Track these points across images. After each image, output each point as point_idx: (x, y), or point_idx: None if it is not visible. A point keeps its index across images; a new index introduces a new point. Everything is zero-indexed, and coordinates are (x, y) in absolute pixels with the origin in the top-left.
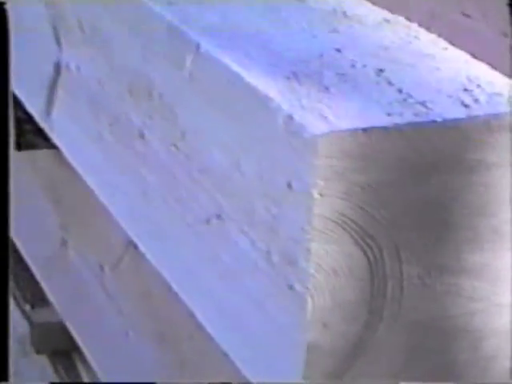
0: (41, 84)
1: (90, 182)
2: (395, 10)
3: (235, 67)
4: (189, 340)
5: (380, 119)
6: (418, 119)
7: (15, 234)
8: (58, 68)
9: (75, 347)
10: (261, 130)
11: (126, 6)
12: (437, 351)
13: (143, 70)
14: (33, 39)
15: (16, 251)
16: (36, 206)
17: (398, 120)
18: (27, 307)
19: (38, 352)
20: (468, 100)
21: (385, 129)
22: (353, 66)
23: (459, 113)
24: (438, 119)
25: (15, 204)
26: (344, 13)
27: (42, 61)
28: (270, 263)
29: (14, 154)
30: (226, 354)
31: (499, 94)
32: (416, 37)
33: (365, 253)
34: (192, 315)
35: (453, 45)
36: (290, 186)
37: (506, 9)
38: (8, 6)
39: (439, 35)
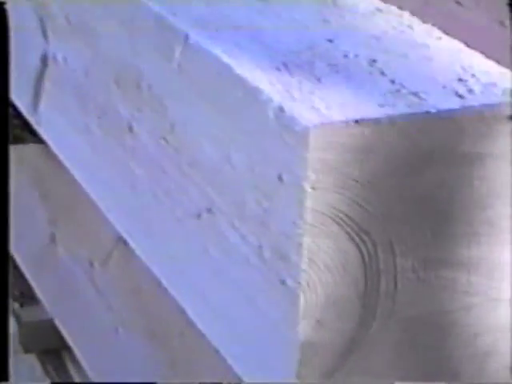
0: (28, 77)
1: (78, 176)
2: None
3: (225, 58)
4: (180, 336)
5: (372, 111)
6: (411, 110)
7: None
8: (44, 60)
9: (65, 346)
10: (251, 123)
11: None
12: (432, 347)
13: (131, 62)
14: (19, 32)
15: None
16: (24, 202)
17: (390, 111)
18: (16, 305)
19: (27, 351)
20: (462, 90)
21: (377, 120)
22: (345, 56)
23: (453, 103)
24: (432, 110)
25: None
26: (335, 2)
27: (28, 53)
28: (262, 258)
29: None
30: (217, 351)
31: (494, 84)
32: (409, 26)
33: (358, 247)
34: (183, 311)
35: (446, 34)
36: (281, 179)
37: None
38: (8, 6)
39: (432, 24)
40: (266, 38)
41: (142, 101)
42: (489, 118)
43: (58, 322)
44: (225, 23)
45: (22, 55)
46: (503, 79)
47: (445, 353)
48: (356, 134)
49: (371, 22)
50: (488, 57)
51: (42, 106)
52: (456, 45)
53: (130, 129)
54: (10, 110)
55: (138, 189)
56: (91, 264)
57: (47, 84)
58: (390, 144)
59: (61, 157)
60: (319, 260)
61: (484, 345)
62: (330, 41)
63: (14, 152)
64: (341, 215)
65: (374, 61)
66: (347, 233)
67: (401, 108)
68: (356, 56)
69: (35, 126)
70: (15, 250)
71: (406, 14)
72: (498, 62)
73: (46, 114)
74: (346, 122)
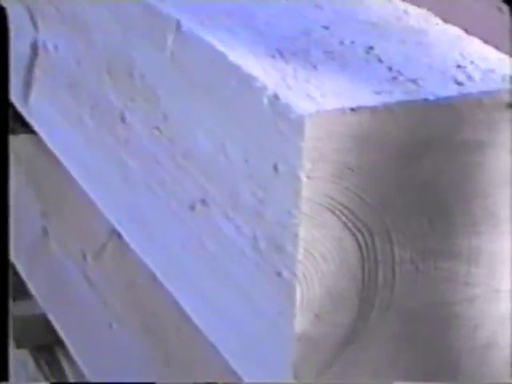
0: (17, 66)
1: (71, 167)
2: None
3: (218, 46)
4: (176, 332)
5: (369, 98)
6: (408, 98)
7: None
8: (34, 48)
9: (58, 341)
10: (246, 111)
11: None
12: (431, 339)
13: (123, 50)
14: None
15: None
16: (15, 195)
17: (387, 99)
18: None
19: (19, 346)
20: (461, 77)
21: (374, 108)
22: (341, 43)
23: (452, 90)
24: (430, 97)
25: None
26: None
27: (17, 42)
28: (257, 249)
29: None
30: (214, 346)
31: (493, 71)
32: (405, 11)
33: (355, 237)
34: (178, 306)
35: (444, 20)
36: (276, 168)
37: None
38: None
39: (428, 9)
40: (259, 25)
41: (135, 90)
42: (488, 106)
43: (50, 317)
44: (216, 10)
45: (11, 42)
46: (502, 65)
47: (444, 345)
48: (352, 123)
49: (366, 8)
50: (487, 43)
51: (33, 96)
52: (454, 31)
53: (123, 119)
54: None
55: (131, 180)
56: (84, 258)
57: (38, 73)
58: (387, 132)
59: (53, 148)
60: (315, 251)
61: (484, 337)
62: (326, 27)
63: None
64: (337, 205)
65: (371, 48)
66: (344, 223)
67: (398, 95)
68: (352, 43)
69: (26, 117)
70: None
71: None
72: (497, 48)
73: (37, 105)
74: (342, 110)
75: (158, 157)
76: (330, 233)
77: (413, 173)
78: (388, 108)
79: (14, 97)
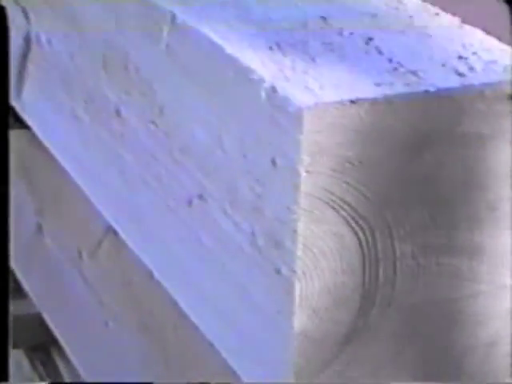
0: (10, 60)
1: (65, 163)
2: None
3: (215, 38)
4: (173, 330)
5: (369, 90)
6: (409, 89)
7: None
8: (27, 42)
9: (53, 340)
10: (243, 104)
11: None
12: (433, 337)
13: (118, 43)
14: None
15: None
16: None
17: (387, 91)
18: None
19: (14, 346)
20: (463, 68)
21: (374, 100)
22: (340, 34)
23: (453, 82)
24: (431, 89)
25: None
26: None
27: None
28: (255, 246)
29: None
30: (212, 344)
31: (496, 62)
32: (402, 2)
33: (355, 233)
34: (176, 304)
35: (443, 10)
36: (274, 162)
37: None
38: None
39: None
40: (255, 16)
41: (130, 84)
42: (490, 97)
43: (45, 316)
44: (210, 1)
45: None
46: (504, 56)
47: (447, 343)
48: (352, 115)
49: None
50: (488, 33)
51: (26, 90)
52: (455, 21)
53: (118, 113)
54: None
55: (127, 176)
56: (80, 255)
57: (31, 67)
58: (388, 125)
59: (47, 143)
60: (314, 246)
61: (488, 335)
62: (323, 18)
63: None
64: (337, 200)
65: (371, 39)
66: (343, 218)
67: (398, 87)
68: (351, 34)
69: (19, 112)
70: None
71: None
72: (499, 38)
73: (31, 99)
74: (341, 103)
75: (154, 151)
76: (330, 228)
77: (414, 166)
78: (388, 100)
79: None
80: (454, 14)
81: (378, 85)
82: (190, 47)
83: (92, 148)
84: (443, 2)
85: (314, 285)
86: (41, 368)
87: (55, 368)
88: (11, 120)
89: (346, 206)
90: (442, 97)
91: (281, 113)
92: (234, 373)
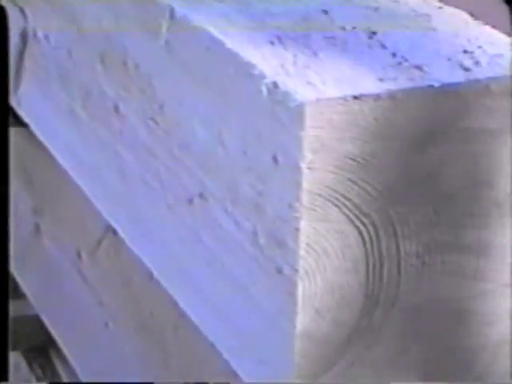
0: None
1: (63, 161)
2: None
3: (215, 33)
4: (173, 331)
5: (372, 86)
6: (413, 84)
7: None
8: (24, 38)
9: (52, 342)
10: (244, 100)
11: None
12: (439, 338)
13: (116, 39)
14: None
15: None
16: None
17: (391, 86)
18: None
19: (12, 348)
20: (468, 63)
21: (377, 96)
22: (342, 28)
23: (458, 76)
24: (436, 84)
25: None
26: None
27: None
28: (257, 245)
29: None
30: (213, 345)
31: (502, 56)
32: None
33: (358, 231)
34: (176, 304)
35: (445, 3)
36: (275, 159)
37: None
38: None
39: None
40: (255, 10)
41: (129, 80)
42: (495, 92)
43: (44, 317)
44: None
45: None
46: (510, 50)
47: (453, 343)
48: (354, 111)
49: None
50: (494, 27)
51: (23, 87)
52: (460, 14)
53: (117, 110)
54: None
55: (126, 174)
56: (79, 255)
57: (28, 64)
58: (391, 121)
59: (44, 141)
60: (317, 245)
61: (495, 334)
62: (325, 12)
63: None
64: (339, 197)
65: (374, 33)
66: (346, 216)
67: (402, 82)
68: (354, 28)
69: (16, 109)
70: None
71: None
72: (506, 32)
73: (28, 96)
74: (344, 98)
75: (153, 149)
76: (333, 226)
77: (418, 163)
78: (392, 95)
79: None
80: (456, 7)
81: (381, 80)
82: (189, 42)
83: (90, 145)
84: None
85: (317, 284)
86: (39, 370)
87: (54, 370)
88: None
89: (349, 204)
90: (447, 92)
91: (282, 108)
92: (235, 374)
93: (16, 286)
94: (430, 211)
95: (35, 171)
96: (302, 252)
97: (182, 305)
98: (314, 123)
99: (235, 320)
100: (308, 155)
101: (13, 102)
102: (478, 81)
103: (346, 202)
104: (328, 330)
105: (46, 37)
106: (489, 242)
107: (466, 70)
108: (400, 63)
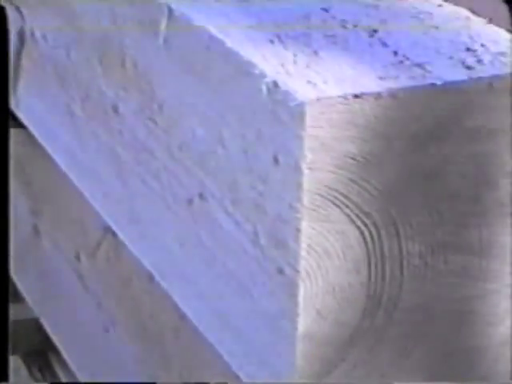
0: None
1: (61, 162)
2: None
3: (214, 31)
4: (174, 333)
5: (373, 84)
6: (414, 83)
7: None
8: (21, 37)
9: (51, 346)
10: (244, 100)
11: None
12: (441, 338)
13: (114, 38)
14: None
15: None
16: None
17: (392, 84)
18: None
19: (11, 352)
20: (471, 61)
21: (378, 95)
22: (343, 26)
23: (460, 75)
24: (438, 82)
25: None
26: None
27: None
28: (257, 245)
29: None
30: (213, 347)
31: (505, 53)
32: None
33: (360, 231)
34: (176, 306)
35: (446, 0)
36: (276, 160)
37: None
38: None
39: None
40: (255, 9)
41: (128, 80)
42: (498, 90)
43: (43, 321)
44: None
45: None
46: None
47: (456, 344)
48: (355, 110)
49: None
50: (496, 24)
51: (21, 87)
52: (461, 12)
53: (116, 110)
54: None
55: (125, 174)
56: (78, 257)
57: (25, 64)
58: (393, 120)
59: (42, 142)
60: (318, 246)
61: (499, 334)
62: (326, 10)
63: None
64: (340, 197)
65: (375, 31)
66: (348, 216)
67: (403, 81)
68: (355, 26)
69: (13, 109)
70: None
71: None
72: (508, 29)
73: (25, 96)
74: (345, 97)
75: (152, 149)
76: (334, 227)
77: (420, 162)
78: (393, 94)
79: None
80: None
81: (382, 78)
82: (188, 41)
83: (89, 146)
84: None
85: (318, 285)
86: (38, 374)
87: (53, 374)
88: None
89: (350, 204)
90: (449, 90)
91: (282, 108)
92: (236, 376)
93: (14, 289)
94: (432, 211)
95: (33, 172)
96: (303, 252)
97: (182, 306)
98: (315, 123)
99: (236, 321)
100: (308, 155)
101: (11, 102)
102: (480, 79)
103: (348, 202)
104: (330, 331)
105: (44, 36)
106: (491, 242)
107: (469, 68)
108: (401, 61)
